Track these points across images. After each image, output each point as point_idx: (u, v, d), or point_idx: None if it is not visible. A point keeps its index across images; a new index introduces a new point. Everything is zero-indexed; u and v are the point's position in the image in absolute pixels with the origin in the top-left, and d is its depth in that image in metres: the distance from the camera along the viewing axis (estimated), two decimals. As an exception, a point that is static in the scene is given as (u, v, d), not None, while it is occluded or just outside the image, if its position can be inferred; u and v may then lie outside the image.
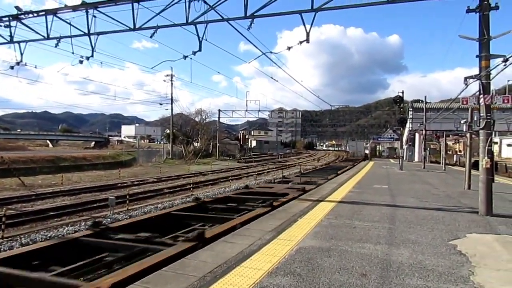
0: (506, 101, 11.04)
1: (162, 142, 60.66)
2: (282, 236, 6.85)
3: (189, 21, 10.48)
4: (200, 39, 10.85)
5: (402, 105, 28.56)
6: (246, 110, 56.72)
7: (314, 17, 10.01)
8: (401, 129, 31.71)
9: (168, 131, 66.74)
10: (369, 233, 7.16)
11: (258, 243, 6.38)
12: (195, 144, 65.56)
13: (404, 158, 30.23)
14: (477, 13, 9.22)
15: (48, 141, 70.48)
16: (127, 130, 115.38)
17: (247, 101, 54.88)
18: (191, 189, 20.50)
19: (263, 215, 8.57)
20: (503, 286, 4.88)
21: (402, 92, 27.31)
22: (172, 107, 55.76)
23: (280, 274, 5.11)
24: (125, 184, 22.32)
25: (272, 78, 17.66)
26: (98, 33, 11.66)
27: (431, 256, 5.93)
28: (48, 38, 11.98)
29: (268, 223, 7.83)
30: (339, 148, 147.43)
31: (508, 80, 24.53)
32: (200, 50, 11.15)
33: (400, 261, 5.65)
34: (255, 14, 10.09)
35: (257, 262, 5.50)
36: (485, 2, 9.10)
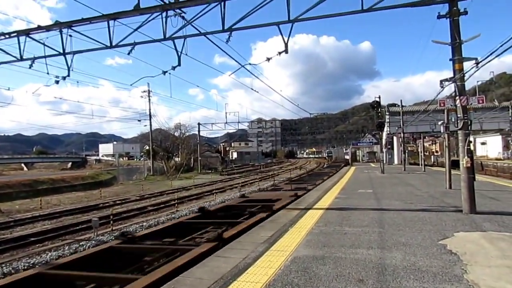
0: (480, 102, 11.44)
1: (142, 159, 59.77)
2: (275, 247, 6.82)
3: (167, 36, 10.46)
4: (179, 53, 10.84)
5: (379, 109, 29.14)
6: (226, 122, 56.68)
7: (292, 28, 10.16)
8: (380, 133, 32.33)
9: (147, 148, 65.87)
10: (361, 238, 7.21)
11: (252, 255, 6.32)
12: (176, 159, 64.87)
13: (384, 162, 30.75)
14: (448, 19, 9.56)
15: (23, 165, 68.35)
16: (105, 149, 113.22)
17: (226, 113, 54.89)
18: (176, 205, 20.22)
19: (265, 219, 9.06)
20: (496, 282, 4.98)
21: (379, 97, 27.90)
22: (150, 122, 55.16)
23: (278, 286, 5.07)
24: (107, 204, 21.82)
25: (252, 89, 17.77)
26: (74, 52, 11.49)
27: (423, 257, 6.02)
28: (21, 59, 11.71)
29: (259, 234, 7.78)
30: (320, 155, 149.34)
31: (478, 81, 25.45)
32: (179, 65, 11.12)
33: (394, 264, 5.70)
34: (233, 28, 10.15)
35: (253, 276, 5.44)
36: (455, 8, 9.45)
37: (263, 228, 8.46)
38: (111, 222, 14.50)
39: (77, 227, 14.60)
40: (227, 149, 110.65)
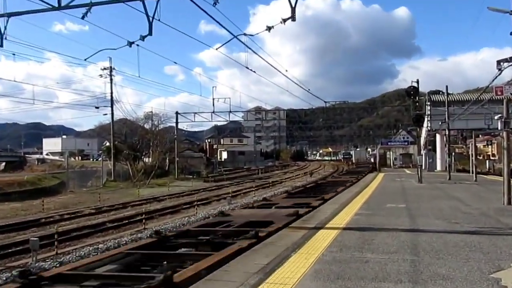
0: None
1: (100, 159, 59.71)
2: (271, 279, 6.82)
3: (135, -6, 10.41)
4: (151, 19, 10.78)
5: (417, 98, 29.22)
6: (213, 112, 56.78)
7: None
8: (418, 129, 32.41)
9: (108, 144, 65.92)
10: (386, 269, 7.21)
11: (240, 290, 6.31)
12: (146, 159, 64.90)
13: (423, 167, 30.90)
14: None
15: None
16: (51, 145, 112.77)
17: (213, 99, 54.24)
18: (144, 221, 20.26)
19: (246, 250, 8.56)
20: None
21: (417, 82, 27.94)
22: (112, 111, 55.26)
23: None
24: (51, 219, 21.84)
25: (248, 68, 17.75)
26: (9, 15, 11.43)
27: (469, 295, 6.02)
28: None
29: (253, 261, 7.78)
30: (338, 157, 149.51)
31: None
32: (150, 34, 11.05)
33: (430, 305, 5.70)
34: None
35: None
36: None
37: (256, 252, 8.46)
38: (56, 243, 14.49)
39: (10, 250, 14.57)
40: (214, 147, 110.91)
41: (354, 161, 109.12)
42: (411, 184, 26.36)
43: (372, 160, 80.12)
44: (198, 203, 27.90)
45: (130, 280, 7.56)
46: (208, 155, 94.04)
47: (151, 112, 69.72)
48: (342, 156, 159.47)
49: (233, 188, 41.99)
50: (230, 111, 56.75)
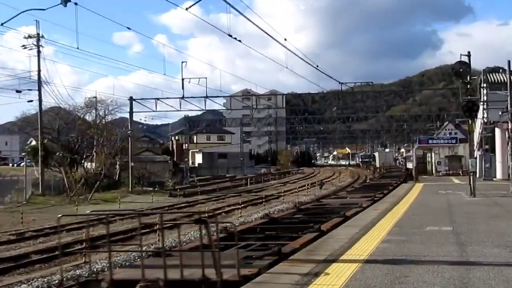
0: None
1: (23, 164, 59.36)
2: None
3: None
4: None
5: (468, 78, 29.32)
6: (183, 98, 56.64)
7: None
8: (469, 122, 32.35)
9: (34, 143, 65.60)
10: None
11: None
12: (88, 164, 64.72)
13: (477, 175, 31.02)
14: None
15: None
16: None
17: (183, 80, 53.89)
18: (83, 253, 20.19)
19: None
20: None
21: (468, 55, 28.02)
22: (40, 96, 54.95)
23: None
24: None
25: (230, 36, 17.75)
26: None
27: None
28: None
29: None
30: (359, 160, 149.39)
31: None
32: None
33: None
34: None
35: None
36: None
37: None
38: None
39: None
40: (184, 147, 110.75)
41: (378, 166, 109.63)
42: (461, 199, 26.50)
43: (405, 164, 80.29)
44: (163, 225, 27.76)
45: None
46: (175, 159, 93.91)
47: (95, 98, 69.58)
48: (360, 160, 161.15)
49: (211, 206, 41.94)
50: (207, 96, 56.72)
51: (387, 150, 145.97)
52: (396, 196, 30.00)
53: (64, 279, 15.42)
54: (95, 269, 16.58)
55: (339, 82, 53.89)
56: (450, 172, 61.80)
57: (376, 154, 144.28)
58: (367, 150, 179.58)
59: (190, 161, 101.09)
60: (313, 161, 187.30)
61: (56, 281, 15.16)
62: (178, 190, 58.67)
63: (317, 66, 39.80)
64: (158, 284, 8.70)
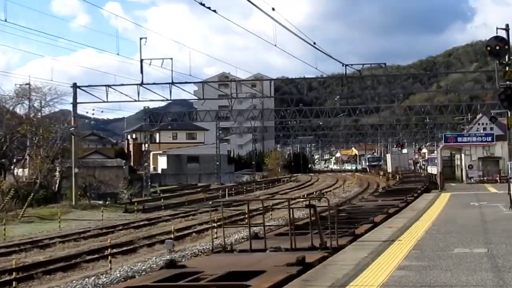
0: None
1: None
2: None
3: None
4: None
5: (507, 58, 29.45)
6: (141, 84, 56.52)
7: None
8: (509, 113, 32.49)
9: None
10: None
11: None
12: (19, 171, 64.35)
13: (519, 182, 31.12)
14: None
15: None
16: None
17: (142, 61, 53.64)
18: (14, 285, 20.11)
19: None
20: None
21: (507, 29, 28.15)
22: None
23: None
24: None
25: (203, 4, 17.76)
26: None
27: None
28: None
29: None
30: (369, 165, 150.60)
31: None
32: None
33: None
34: None
35: None
36: None
37: None
38: None
39: None
40: (144, 148, 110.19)
41: (390, 171, 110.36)
42: (498, 212, 26.63)
43: (427, 169, 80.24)
44: (114, 250, 27.85)
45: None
46: (132, 163, 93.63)
47: (28, 84, 68.98)
48: (367, 163, 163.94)
49: (177, 224, 41.91)
50: (173, 83, 56.70)
51: (404, 150, 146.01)
52: (416, 209, 30.15)
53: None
54: None
55: (343, 64, 54.01)
56: (485, 178, 62.10)
57: (388, 156, 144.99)
58: (378, 151, 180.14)
59: (152, 166, 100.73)
60: (310, 166, 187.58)
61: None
62: (136, 204, 58.48)
63: (314, 43, 39.76)
64: (281, 248, 16.99)
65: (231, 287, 12.86)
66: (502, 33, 28.40)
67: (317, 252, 16.13)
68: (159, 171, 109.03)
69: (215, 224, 37.96)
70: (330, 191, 78.01)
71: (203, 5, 20.91)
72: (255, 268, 14.28)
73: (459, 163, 70.04)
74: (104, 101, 60.45)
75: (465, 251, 15.39)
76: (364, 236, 19.59)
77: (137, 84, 56.34)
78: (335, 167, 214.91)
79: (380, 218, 25.19)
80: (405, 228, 21.15)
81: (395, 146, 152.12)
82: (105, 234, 37.28)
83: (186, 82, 63.30)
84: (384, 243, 17.45)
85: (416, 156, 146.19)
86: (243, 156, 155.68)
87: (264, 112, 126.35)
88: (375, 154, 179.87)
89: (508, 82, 29.09)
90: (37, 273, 23.42)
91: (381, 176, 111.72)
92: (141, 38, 58.48)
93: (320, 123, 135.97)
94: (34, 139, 64.04)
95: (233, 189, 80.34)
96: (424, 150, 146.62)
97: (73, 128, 61.17)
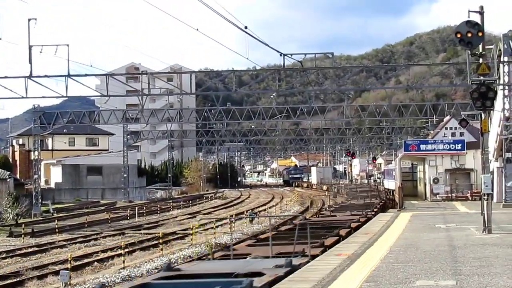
0: None
1: None
2: None
3: None
4: None
5: (480, 48, 29.92)
6: (30, 77, 55.95)
7: None
8: (482, 116, 33.05)
9: None
10: None
11: None
12: None
13: (494, 198, 31.63)
14: None
15: None
16: None
17: (31, 48, 53.18)
18: None
19: None
20: None
21: (481, 12, 28.61)
22: None
23: None
24: None
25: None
26: None
27: None
28: None
29: None
30: (290, 176, 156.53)
31: None
32: None
33: None
34: None
35: None
36: None
37: None
38: None
39: None
40: (33, 156, 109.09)
41: (316, 183, 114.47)
42: (469, 236, 26.97)
43: (389, 184, 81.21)
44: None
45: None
46: (19, 175, 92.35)
47: None
48: (288, 176, 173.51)
49: (75, 251, 41.61)
50: (70, 75, 56.22)
51: (355, 161, 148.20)
52: (369, 232, 30.30)
53: None
54: None
55: (281, 54, 53.99)
56: (453, 195, 62.77)
57: (313, 169, 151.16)
58: (324, 161, 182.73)
59: (43, 179, 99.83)
60: (239, 179, 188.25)
61: None
62: (24, 226, 57.83)
63: (246, 27, 39.75)
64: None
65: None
66: (476, 17, 28.72)
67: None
68: (53, 185, 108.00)
69: (123, 251, 37.76)
70: (265, 210, 78.31)
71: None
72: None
73: (422, 176, 70.57)
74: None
75: (430, 283, 15.43)
76: (305, 266, 19.54)
77: (24, 77, 55.57)
78: (270, 180, 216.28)
79: (325, 243, 25.23)
80: (357, 255, 21.19)
81: (344, 155, 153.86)
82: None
83: (86, 75, 62.98)
84: (331, 272, 17.47)
85: (370, 168, 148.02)
86: (157, 167, 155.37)
87: (183, 113, 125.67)
88: (294, 167, 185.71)
89: (481, 78, 29.39)
90: None
91: (327, 192, 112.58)
92: (29, 19, 57.92)
93: (252, 126, 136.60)
94: None
95: (144, 208, 79.97)
96: (380, 160, 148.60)
97: None
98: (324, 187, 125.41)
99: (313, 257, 21.64)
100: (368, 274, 17.34)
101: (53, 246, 45.98)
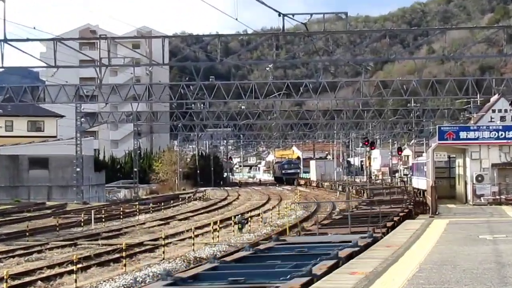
0: None
1: None
2: None
3: None
4: None
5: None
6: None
7: None
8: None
9: None
10: None
11: None
12: None
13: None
14: None
15: None
16: None
17: None
18: None
19: None
20: None
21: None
22: None
23: None
24: None
25: None
26: None
27: None
28: None
29: None
30: (283, 172, 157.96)
31: None
32: None
33: None
34: None
35: None
36: None
37: None
38: None
39: None
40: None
41: (315, 180, 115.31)
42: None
43: (409, 180, 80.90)
44: None
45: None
46: None
47: None
48: (280, 171, 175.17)
49: (13, 267, 41.56)
50: (7, 40, 56.34)
51: (376, 152, 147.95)
52: (392, 245, 30.31)
53: None
54: None
55: (279, 13, 53.99)
56: (503, 197, 62.38)
57: (312, 163, 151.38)
58: (335, 151, 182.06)
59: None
60: (225, 175, 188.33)
61: None
62: None
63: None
64: None
65: None
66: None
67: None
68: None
69: (75, 267, 37.63)
70: (258, 214, 78.20)
71: None
72: None
73: (461, 172, 69.98)
74: None
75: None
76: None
77: None
78: (265, 177, 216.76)
79: (332, 262, 25.20)
80: (377, 274, 21.13)
81: (361, 144, 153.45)
82: None
83: (28, 40, 62.68)
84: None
85: (395, 161, 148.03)
86: (119, 159, 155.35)
87: (153, 89, 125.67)
88: (294, 158, 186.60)
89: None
90: None
91: (338, 193, 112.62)
92: None
93: (243, 107, 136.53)
94: None
95: (103, 212, 79.89)
96: (407, 152, 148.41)
97: None
98: (338, 186, 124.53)
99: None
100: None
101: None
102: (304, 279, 19.72)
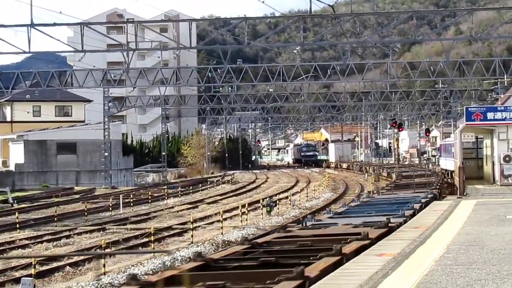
0: None
1: None
2: None
3: None
4: None
5: None
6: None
7: None
8: None
9: None
10: None
11: None
12: None
13: None
14: None
15: None
16: None
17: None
18: None
19: None
20: None
21: None
22: None
23: None
24: None
25: None
26: None
27: None
28: None
29: None
30: (302, 154, 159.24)
31: None
32: None
33: None
34: None
35: None
36: None
37: None
38: None
39: None
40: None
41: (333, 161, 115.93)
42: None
43: (437, 161, 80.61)
44: None
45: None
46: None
47: None
48: (301, 154, 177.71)
49: (41, 252, 41.53)
50: (33, 25, 56.36)
51: (404, 133, 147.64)
52: (421, 226, 30.21)
53: None
54: None
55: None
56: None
57: (331, 145, 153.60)
58: (363, 133, 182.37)
59: (0, 160, 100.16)
60: (254, 158, 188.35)
61: None
62: None
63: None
64: None
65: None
66: None
67: None
68: (12, 167, 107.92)
69: (104, 251, 37.70)
70: (287, 197, 78.16)
71: None
72: None
73: (489, 153, 69.85)
74: None
75: (500, 292, 15.39)
76: (336, 271, 19.58)
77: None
78: (293, 159, 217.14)
79: (363, 242, 25.02)
80: (404, 256, 21.02)
81: (389, 126, 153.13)
82: None
83: (55, 24, 62.63)
84: (372, 277, 17.42)
85: (423, 143, 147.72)
86: (147, 143, 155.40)
87: (181, 73, 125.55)
88: (307, 143, 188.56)
89: None
90: None
91: (366, 175, 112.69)
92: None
93: (270, 89, 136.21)
94: None
95: (131, 196, 79.87)
96: (435, 133, 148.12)
97: None
98: (369, 169, 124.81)
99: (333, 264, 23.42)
100: (418, 280, 17.22)
101: (13, 246, 45.79)
102: (335, 259, 19.54)
